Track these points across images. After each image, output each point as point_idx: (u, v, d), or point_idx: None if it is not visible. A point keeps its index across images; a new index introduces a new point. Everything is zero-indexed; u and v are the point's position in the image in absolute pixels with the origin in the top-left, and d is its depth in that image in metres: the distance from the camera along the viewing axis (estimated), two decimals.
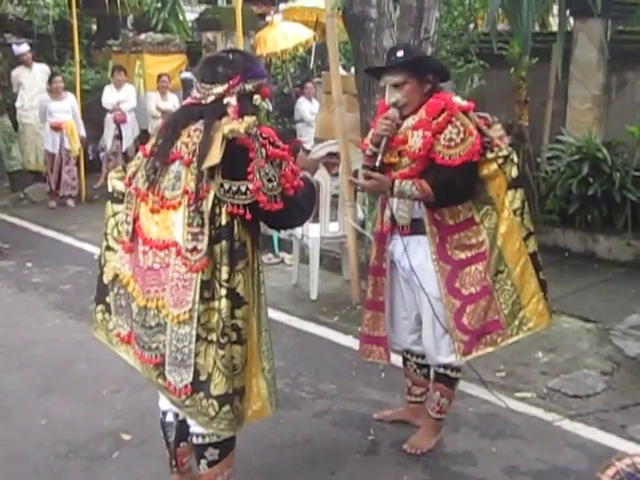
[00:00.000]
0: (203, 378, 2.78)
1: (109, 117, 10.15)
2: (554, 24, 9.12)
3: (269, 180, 2.75)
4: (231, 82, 2.80)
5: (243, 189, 2.72)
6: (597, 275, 6.46)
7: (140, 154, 2.99)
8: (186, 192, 2.75)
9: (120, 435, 3.87)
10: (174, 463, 3.14)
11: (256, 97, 2.88)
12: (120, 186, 3.08)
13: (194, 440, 2.96)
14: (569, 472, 3.54)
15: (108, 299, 3.10)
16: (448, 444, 3.78)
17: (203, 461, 2.96)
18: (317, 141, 7.97)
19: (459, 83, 7.67)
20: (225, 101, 2.79)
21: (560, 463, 3.62)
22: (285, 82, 11.39)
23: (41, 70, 10.53)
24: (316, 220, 5.89)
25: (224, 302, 2.75)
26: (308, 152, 6.88)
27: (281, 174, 2.79)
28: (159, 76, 10.29)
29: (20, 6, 12.76)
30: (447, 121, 3.28)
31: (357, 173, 5.16)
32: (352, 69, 7.85)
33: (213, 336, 2.77)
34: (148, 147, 2.94)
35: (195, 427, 2.92)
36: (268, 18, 11.73)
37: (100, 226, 3.19)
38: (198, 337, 2.76)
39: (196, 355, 2.77)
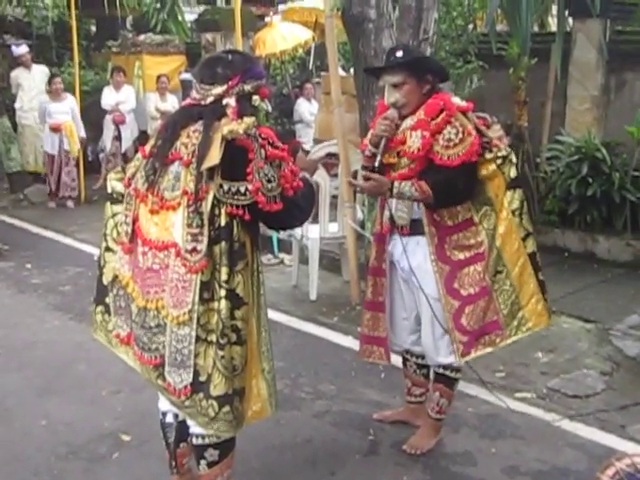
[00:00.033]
0: (203, 379, 2.78)
1: (108, 118, 10.16)
2: (553, 24, 9.13)
3: (268, 181, 2.75)
4: (230, 83, 2.80)
5: (242, 190, 2.72)
6: (596, 275, 6.47)
7: (139, 155, 2.99)
8: (185, 193, 2.75)
9: (120, 436, 3.87)
10: (174, 464, 3.14)
11: (255, 98, 2.88)
12: (119, 187, 3.08)
13: (194, 441, 2.96)
14: (569, 472, 3.54)
15: (108, 300, 3.10)
16: (448, 444, 3.78)
17: (203, 462, 2.96)
18: (316, 142, 7.96)
19: (458, 84, 7.68)
20: (224, 102, 2.79)
21: (560, 463, 3.62)
22: (284, 83, 11.40)
23: (40, 71, 10.53)
24: (315, 221, 5.89)
25: (224, 303, 2.75)
26: (307, 153, 6.88)
27: (280, 175, 2.79)
28: (158, 77, 10.30)
29: (19, 7, 12.75)
30: (446, 121, 3.28)
31: (356, 174, 5.15)
32: (351, 70, 7.85)
33: (213, 337, 2.77)
34: (147, 148, 2.94)
35: (195, 428, 2.92)
36: (267, 19, 11.74)
37: (99, 227, 3.19)
38: (198, 338, 2.76)
39: (196, 356, 2.77)
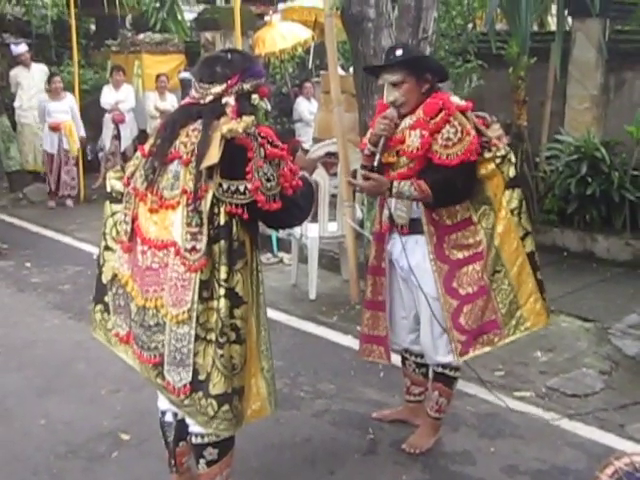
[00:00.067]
0: (202, 378, 2.78)
1: (107, 117, 10.16)
2: (552, 24, 9.11)
3: (268, 180, 2.75)
4: (229, 82, 2.80)
5: (242, 189, 2.72)
6: (596, 275, 6.47)
7: (139, 154, 2.99)
8: (185, 192, 2.75)
9: (119, 435, 3.87)
10: (173, 463, 3.15)
11: (254, 97, 2.88)
12: (119, 186, 3.09)
13: (193, 440, 2.96)
14: (568, 471, 3.55)
15: (107, 299, 3.10)
16: (447, 443, 3.78)
17: (202, 461, 2.96)
18: (316, 141, 7.96)
19: (458, 83, 7.68)
20: (223, 101, 2.79)
21: (559, 462, 3.62)
22: (284, 82, 11.39)
23: (39, 70, 10.53)
24: (315, 220, 5.89)
25: (223, 302, 2.75)
26: (307, 152, 6.88)
27: (279, 174, 2.79)
28: (158, 76, 10.29)
29: (18, 6, 12.74)
30: (445, 121, 3.28)
31: (356, 173, 5.16)
32: (351, 69, 7.86)
33: (212, 336, 2.77)
34: (147, 147, 2.94)
35: (194, 427, 2.91)
36: (267, 18, 11.72)
37: (99, 226, 3.19)
38: (197, 337, 2.76)
39: (195, 355, 2.77)
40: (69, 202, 9.72)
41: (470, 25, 8.90)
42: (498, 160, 3.38)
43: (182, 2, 13.22)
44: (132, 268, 2.92)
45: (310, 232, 5.99)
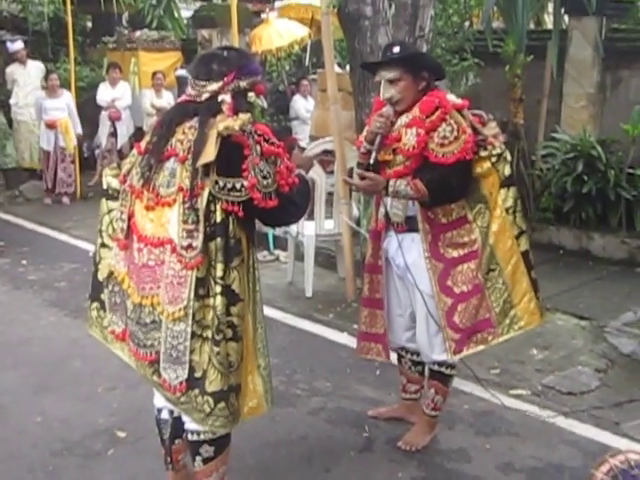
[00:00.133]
0: (198, 375, 2.78)
1: (104, 114, 10.14)
2: (549, 22, 9.14)
3: (264, 177, 2.75)
4: (226, 79, 2.80)
5: (238, 186, 2.72)
6: (591, 273, 6.48)
7: (135, 151, 2.99)
8: (181, 189, 2.75)
9: (115, 432, 3.87)
10: (169, 460, 3.14)
11: (251, 94, 2.88)
12: (115, 183, 3.08)
13: (189, 437, 2.96)
14: (563, 469, 3.55)
15: (103, 296, 3.09)
16: (443, 441, 3.79)
17: (198, 458, 2.96)
18: (312, 139, 7.97)
19: (454, 81, 7.69)
20: (220, 98, 2.79)
21: (554, 460, 3.63)
22: (280, 79, 11.38)
23: (35, 67, 10.50)
24: (311, 218, 5.89)
25: (219, 299, 2.75)
26: (303, 150, 6.87)
27: (276, 171, 2.79)
28: (154, 73, 10.28)
29: (15, 3, 12.72)
30: (441, 119, 3.28)
31: (352, 171, 5.16)
32: (347, 67, 7.87)
33: (208, 333, 2.77)
34: (143, 144, 2.94)
35: (190, 424, 2.91)
36: (263, 15, 11.70)
37: (95, 223, 3.19)
38: (193, 334, 2.76)
39: (191, 352, 2.77)
40: (65, 199, 9.72)
41: (467, 23, 8.91)
42: (494, 159, 3.38)
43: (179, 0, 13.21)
44: (128, 265, 2.92)
45: (306, 230, 5.99)
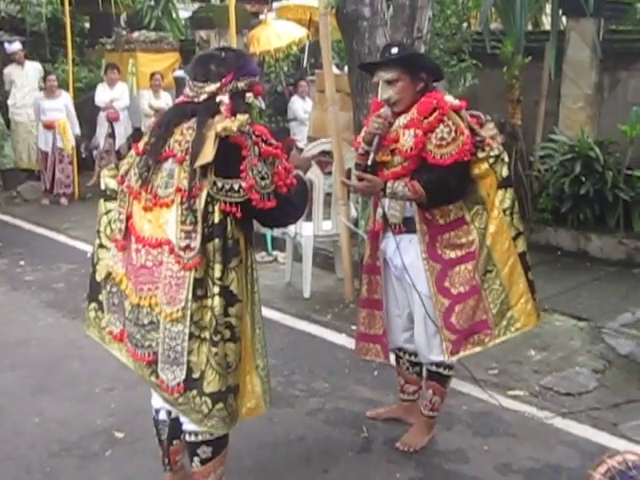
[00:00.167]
0: (196, 376, 2.78)
1: (102, 115, 10.13)
2: (547, 23, 9.14)
3: (262, 178, 2.75)
4: (223, 80, 2.80)
5: (236, 187, 2.72)
6: (589, 274, 6.48)
7: (133, 152, 2.99)
8: (179, 190, 2.75)
9: (113, 433, 3.87)
10: (167, 461, 3.14)
11: (249, 95, 2.88)
12: (113, 184, 3.08)
13: (187, 438, 2.96)
14: (561, 470, 3.56)
15: (101, 297, 3.10)
16: (441, 442, 3.79)
17: (196, 459, 2.96)
18: (310, 139, 7.97)
19: (452, 82, 7.69)
20: (218, 99, 2.79)
21: (552, 461, 3.63)
22: (278, 80, 11.39)
23: (33, 68, 10.50)
24: (309, 218, 5.89)
25: (217, 300, 2.75)
26: (301, 150, 6.88)
27: (274, 172, 2.79)
28: (152, 74, 10.28)
29: (13, 4, 12.72)
30: (438, 120, 3.28)
31: (350, 172, 5.16)
32: (345, 68, 7.86)
33: (206, 334, 2.77)
34: (141, 145, 2.94)
35: (188, 425, 2.91)
36: (261, 16, 11.72)
37: (93, 224, 3.19)
38: (191, 335, 2.76)
39: (189, 353, 2.77)
40: (63, 200, 9.72)
41: (465, 24, 8.90)
42: (491, 160, 3.38)
43: (177, 0, 13.21)
44: (126, 266, 2.92)
45: (304, 231, 5.99)
